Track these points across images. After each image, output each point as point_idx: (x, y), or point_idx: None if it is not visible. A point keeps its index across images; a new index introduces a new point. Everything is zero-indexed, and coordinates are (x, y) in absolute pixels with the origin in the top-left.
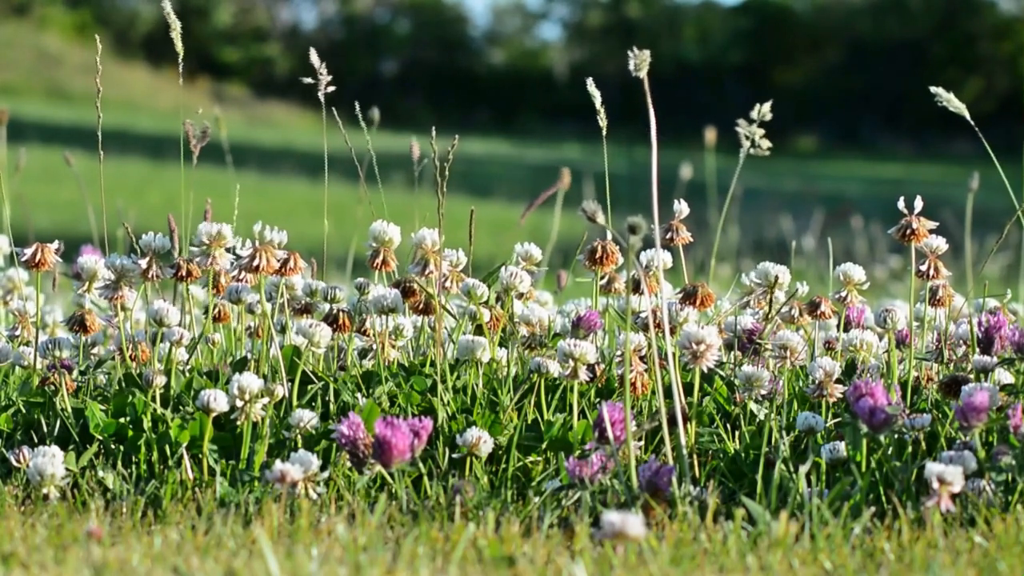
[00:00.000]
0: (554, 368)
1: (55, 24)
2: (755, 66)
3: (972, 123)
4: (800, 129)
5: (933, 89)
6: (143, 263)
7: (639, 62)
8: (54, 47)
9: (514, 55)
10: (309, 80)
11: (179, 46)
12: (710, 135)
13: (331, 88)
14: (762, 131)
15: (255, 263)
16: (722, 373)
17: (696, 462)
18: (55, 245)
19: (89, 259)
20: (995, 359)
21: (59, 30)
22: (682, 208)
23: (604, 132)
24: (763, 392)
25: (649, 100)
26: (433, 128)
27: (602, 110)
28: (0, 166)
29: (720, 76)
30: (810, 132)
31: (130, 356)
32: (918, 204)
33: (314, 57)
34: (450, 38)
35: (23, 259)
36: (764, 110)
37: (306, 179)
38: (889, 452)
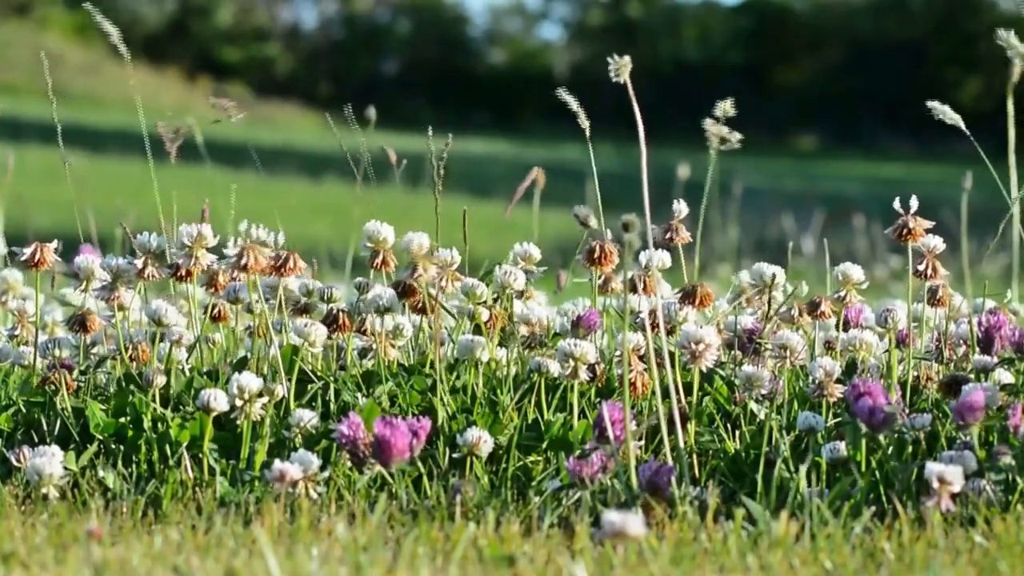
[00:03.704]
0: (554, 368)
1: (55, 24)
2: (755, 66)
3: (969, 134)
4: (800, 129)
5: (930, 104)
6: (139, 263)
7: (619, 68)
8: (54, 47)
9: (514, 55)
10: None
11: (123, 49)
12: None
13: (177, 144)
14: (727, 128)
15: (243, 262)
16: (722, 373)
17: (696, 462)
18: (54, 244)
19: (87, 259)
20: (995, 359)
21: (59, 30)
22: (681, 208)
23: (588, 134)
24: (763, 392)
25: (635, 104)
26: (430, 128)
27: (582, 113)
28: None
29: (720, 76)
30: (810, 132)
31: (129, 357)
32: (914, 203)
33: (162, 129)
34: (450, 38)
35: (22, 259)
36: (726, 107)
37: (306, 179)
38: (889, 452)
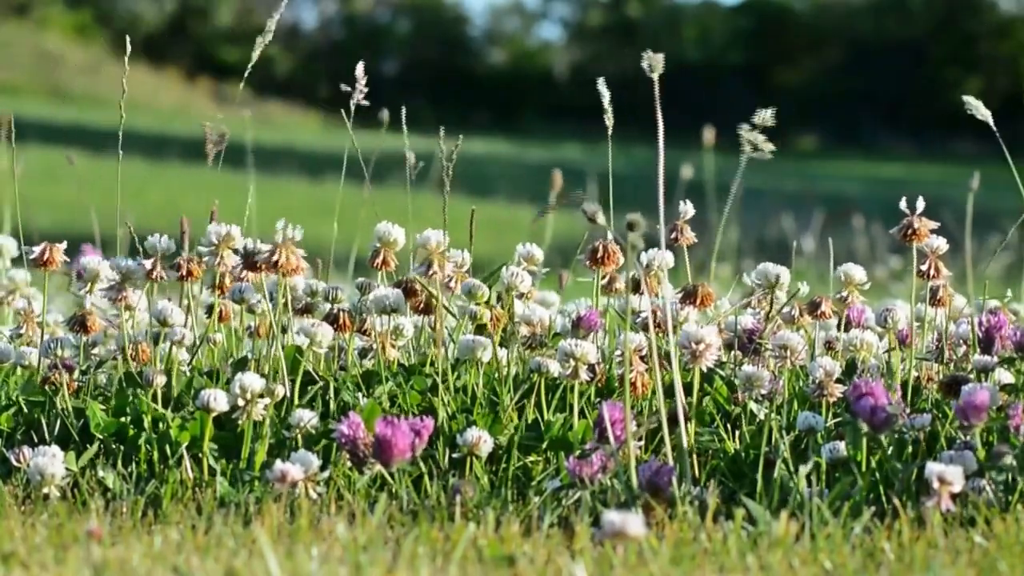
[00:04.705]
0: (554, 368)
1: (55, 24)
2: (755, 66)
3: (996, 131)
4: (800, 129)
5: (966, 98)
6: (148, 264)
7: (653, 64)
8: (54, 47)
9: (514, 55)
10: (346, 88)
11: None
12: (708, 135)
13: (365, 103)
14: (764, 137)
15: (276, 259)
16: (722, 373)
17: (696, 462)
18: (63, 245)
19: (92, 260)
20: (995, 359)
21: (59, 30)
22: (687, 209)
23: (610, 132)
24: (763, 392)
25: (657, 102)
26: (441, 129)
27: (609, 110)
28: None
29: (720, 76)
30: (810, 132)
31: (130, 356)
32: (920, 204)
33: (359, 71)
34: (450, 38)
35: (31, 258)
36: (767, 116)
37: (307, 179)
38: (889, 452)
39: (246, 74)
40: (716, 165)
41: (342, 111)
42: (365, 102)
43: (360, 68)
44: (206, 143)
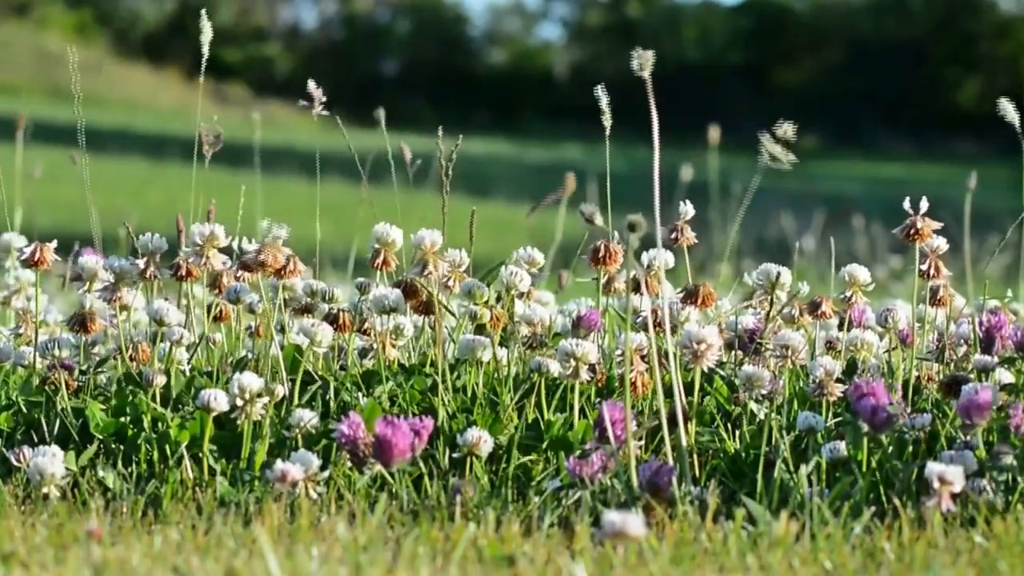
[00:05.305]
0: (555, 368)
1: (55, 24)
2: (755, 66)
3: (1020, 130)
4: (800, 129)
5: (1001, 101)
6: (141, 264)
7: (643, 62)
8: (54, 47)
9: (514, 55)
10: (304, 103)
11: (205, 49)
12: (713, 134)
13: (325, 112)
14: (784, 150)
15: (261, 259)
16: (722, 373)
17: (696, 462)
18: (53, 244)
19: (90, 259)
20: (996, 359)
21: (59, 30)
22: (688, 209)
23: (607, 133)
24: (763, 392)
25: (652, 101)
26: (440, 129)
27: (608, 112)
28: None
29: (720, 76)
30: (810, 132)
31: (129, 357)
32: (923, 204)
33: (312, 86)
34: (450, 38)
35: (23, 258)
36: (787, 130)
37: (306, 179)
38: (889, 452)
39: (203, 63)
40: (718, 165)
41: (323, 112)
42: (326, 112)
43: (312, 84)
44: (202, 144)
